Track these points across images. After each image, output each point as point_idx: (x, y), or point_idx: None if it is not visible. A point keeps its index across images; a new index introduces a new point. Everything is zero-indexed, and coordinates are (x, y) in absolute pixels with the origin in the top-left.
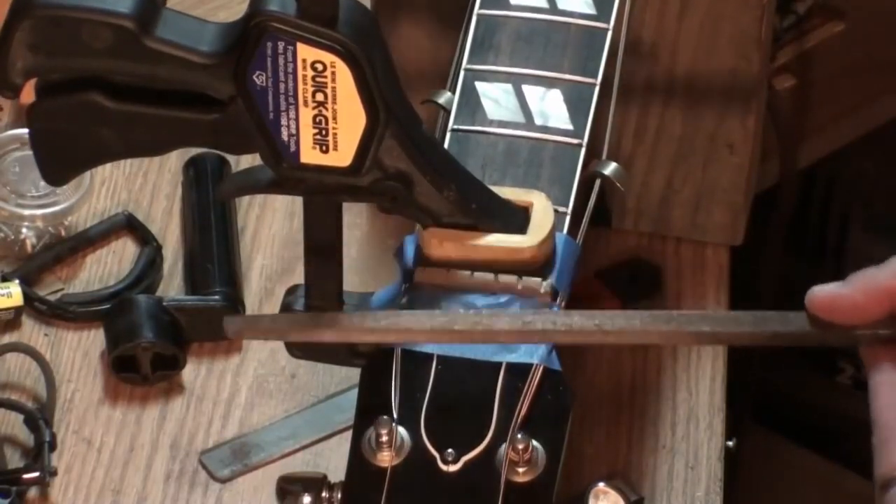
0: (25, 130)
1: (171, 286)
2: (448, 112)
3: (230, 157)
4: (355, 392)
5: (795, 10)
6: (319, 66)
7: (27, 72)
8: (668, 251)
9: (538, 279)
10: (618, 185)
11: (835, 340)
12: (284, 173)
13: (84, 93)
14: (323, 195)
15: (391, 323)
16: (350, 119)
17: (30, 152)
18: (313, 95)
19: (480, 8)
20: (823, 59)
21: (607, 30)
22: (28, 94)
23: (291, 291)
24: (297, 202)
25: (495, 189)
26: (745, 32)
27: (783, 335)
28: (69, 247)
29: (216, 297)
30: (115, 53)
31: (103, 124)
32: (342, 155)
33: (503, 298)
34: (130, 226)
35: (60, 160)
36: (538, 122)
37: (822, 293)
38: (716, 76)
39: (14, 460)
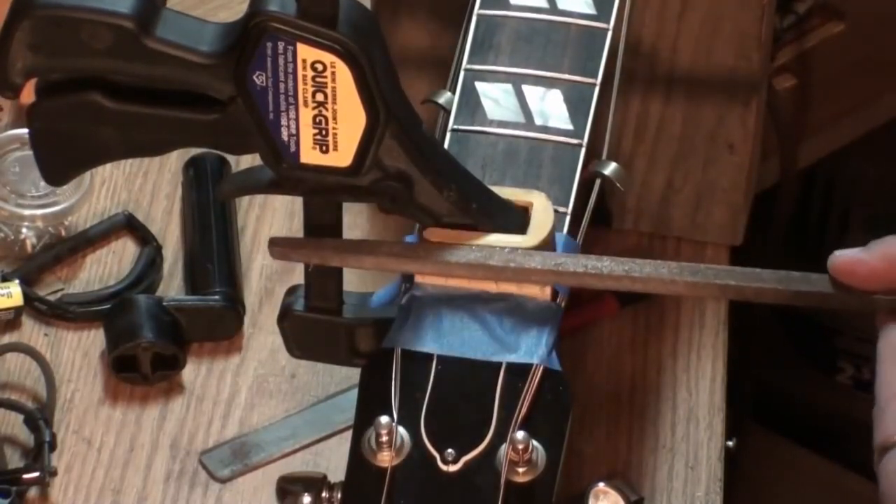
0: (25, 130)
1: (171, 286)
2: (448, 112)
3: (230, 157)
4: (355, 392)
5: (795, 10)
6: (319, 66)
7: (27, 72)
8: (668, 251)
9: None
10: (618, 185)
11: (853, 304)
12: (284, 173)
13: (84, 93)
14: (323, 195)
15: (429, 255)
16: (350, 119)
17: (30, 152)
18: (313, 95)
19: (480, 8)
20: (823, 59)
21: (607, 30)
22: (28, 94)
23: (291, 291)
24: (297, 202)
25: (495, 189)
26: (745, 32)
27: (805, 294)
28: (69, 247)
29: (216, 297)
30: (115, 53)
31: (103, 124)
32: (342, 155)
33: (503, 298)
34: (130, 226)
35: (60, 160)
36: (538, 122)
37: (844, 258)
38: (716, 76)
39: (14, 460)
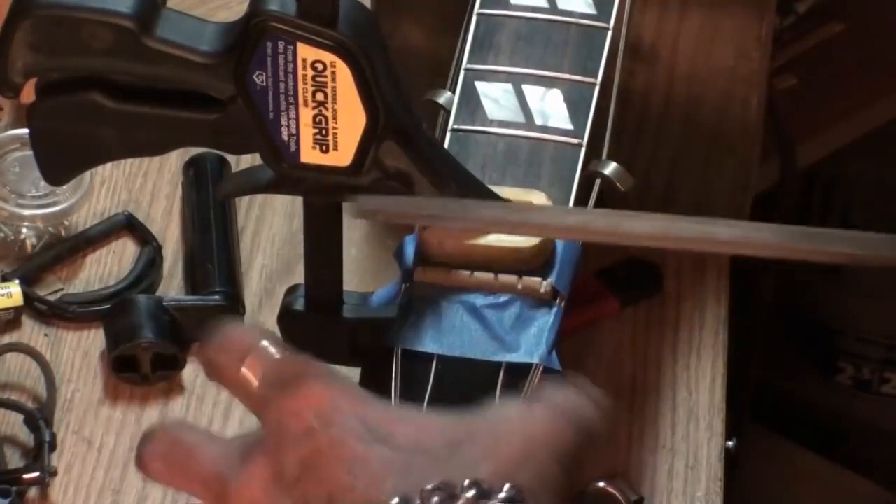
0: (25, 130)
1: (171, 286)
2: (448, 112)
3: (230, 157)
4: None
5: (795, 10)
6: (319, 66)
7: (27, 71)
8: (668, 251)
9: (538, 279)
10: (618, 185)
11: None
12: (284, 173)
13: (84, 92)
14: (323, 195)
15: (525, 217)
16: (350, 119)
17: (30, 152)
18: (313, 95)
19: (480, 8)
20: (823, 59)
21: (607, 29)
22: (28, 94)
23: (291, 291)
24: (297, 202)
25: (495, 189)
26: (746, 32)
27: None
28: (69, 247)
29: (216, 297)
30: (116, 53)
31: (103, 124)
32: (342, 155)
33: (503, 298)
34: (130, 226)
35: (60, 160)
36: (538, 121)
37: None
38: (716, 76)
39: (14, 460)
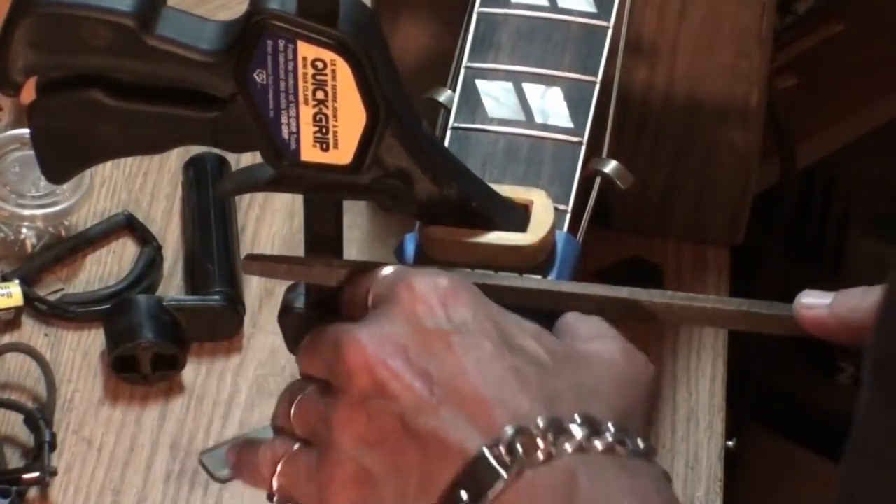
0: (26, 130)
1: (171, 286)
2: (448, 110)
3: (230, 157)
4: None
5: (795, 10)
6: (320, 64)
7: (28, 69)
8: (668, 251)
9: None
10: (618, 183)
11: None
12: (285, 171)
13: (84, 90)
14: (323, 193)
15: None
16: (350, 117)
17: (30, 152)
18: (313, 93)
19: (481, 6)
20: (823, 59)
21: (608, 28)
22: (28, 94)
23: (292, 289)
24: (297, 202)
25: (496, 187)
26: (746, 31)
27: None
28: (69, 247)
29: (216, 297)
30: (116, 51)
31: (104, 122)
32: (342, 153)
33: None
34: (130, 226)
35: (61, 158)
36: (538, 120)
37: (808, 315)
38: (716, 75)
39: (14, 460)
